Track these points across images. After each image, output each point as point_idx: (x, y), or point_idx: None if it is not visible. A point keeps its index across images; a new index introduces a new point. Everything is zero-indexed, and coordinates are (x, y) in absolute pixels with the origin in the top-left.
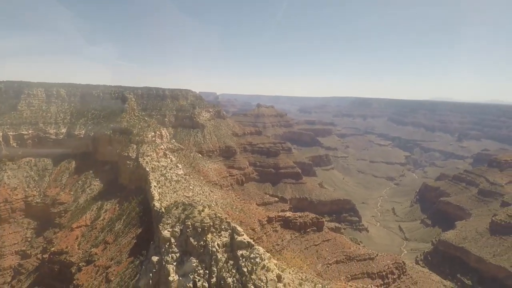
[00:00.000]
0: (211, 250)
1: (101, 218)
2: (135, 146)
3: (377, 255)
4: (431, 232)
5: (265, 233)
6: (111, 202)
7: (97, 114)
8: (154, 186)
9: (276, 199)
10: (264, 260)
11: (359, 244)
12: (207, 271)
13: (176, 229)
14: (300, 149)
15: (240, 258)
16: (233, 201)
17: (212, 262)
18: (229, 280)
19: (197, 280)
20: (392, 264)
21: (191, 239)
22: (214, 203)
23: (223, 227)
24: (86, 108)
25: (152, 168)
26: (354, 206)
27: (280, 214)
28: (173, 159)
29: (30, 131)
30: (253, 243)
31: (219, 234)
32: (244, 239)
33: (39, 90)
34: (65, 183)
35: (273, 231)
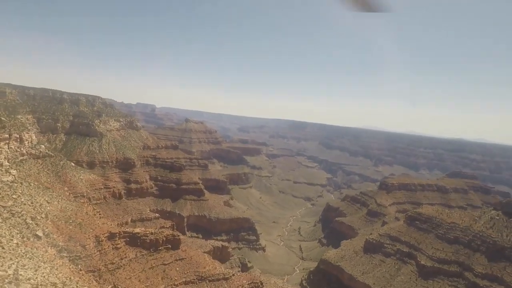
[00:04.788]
0: None
1: None
2: None
3: (233, 275)
4: (325, 251)
5: (99, 251)
6: None
7: None
8: None
9: (157, 215)
10: None
11: (247, 264)
12: None
13: None
14: (226, 166)
15: None
16: (76, 215)
17: None
18: None
19: None
20: (247, 284)
21: None
22: (44, 215)
23: None
24: None
25: None
26: (253, 225)
27: (126, 230)
28: (5, 163)
29: None
30: None
31: None
32: None
33: None
34: None
35: (113, 248)
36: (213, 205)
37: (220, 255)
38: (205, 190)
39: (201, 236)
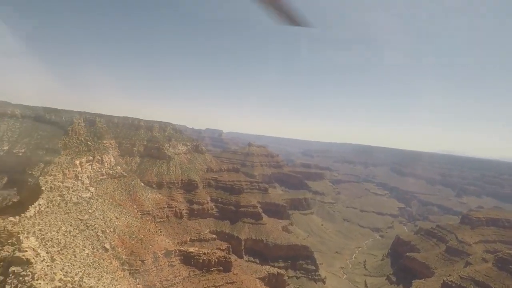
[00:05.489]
0: None
1: None
2: (42, 165)
3: None
4: None
5: (156, 267)
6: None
7: (43, 135)
8: (39, 204)
9: (214, 236)
10: (35, 280)
11: None
12: None
13: None
14: (288, 191)
15: (10, 275)
16: (139, 231)
17: None
18: None
19: None
20: None
21: None
22: (112, 229)
23: (10, 241)
24: (35, 129)
25: (50, 187)
26: (312, 253)
27: (181, 248)
28: (86, 181)
29: None
30: (32, 261)
31: (1, 248)
32: (23, 256)
33: None
34: None
35: (168, 265)
36: (271, 230)
37: (276, 282)
38: (263, 214)
39: (258, 261)
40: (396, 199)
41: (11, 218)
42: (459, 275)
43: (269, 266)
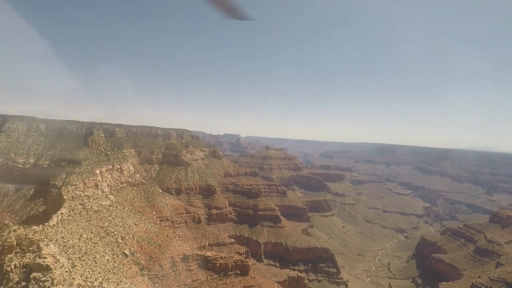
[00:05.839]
0: (5, 270)
1: None
2: (64, 175)
3: None
4: None
5: (174, 271)
6: None
7: (65, 147)
8: (61, 213)
9: (232, 240)
10: (55, 286)
11: None
12: None
13: None
14: (307, 193)
15: (32, 280)
16: (158, 236)
17: (4, 282)
18: None
19: None
20: None
21: None
22: (131, 236)
23: (31, 249)
24: (59, 142)
25: (72, 196)
26: (332, 256)
27: (198, 253)
28: (105, 190)
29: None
30: (52, 267)
31: (23, 255)
32: (43, 262)
33: (20, 124)
34: (18, 209)
35: (186, 270)
36: (290, 233)
37: (296, 286)
38: (282, 217)
39: (277, 265)
40: (421, 199)
41: (35, 227)
42: (489, 277)
43: (289, 270)
